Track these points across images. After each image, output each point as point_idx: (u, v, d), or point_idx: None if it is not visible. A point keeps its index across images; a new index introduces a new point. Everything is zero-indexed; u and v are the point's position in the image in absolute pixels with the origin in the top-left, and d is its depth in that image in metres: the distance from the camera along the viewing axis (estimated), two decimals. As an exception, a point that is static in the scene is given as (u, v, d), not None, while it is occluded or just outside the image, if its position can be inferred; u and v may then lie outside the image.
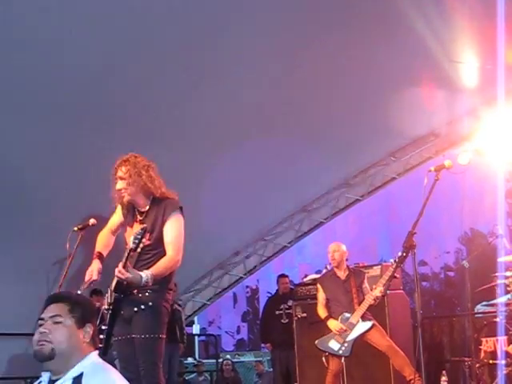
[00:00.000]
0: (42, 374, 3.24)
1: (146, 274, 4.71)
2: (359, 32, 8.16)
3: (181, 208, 5.11)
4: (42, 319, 3.21)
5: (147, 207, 5.11)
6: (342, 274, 7.99)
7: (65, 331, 3.17)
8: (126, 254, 4.73)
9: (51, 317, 3.21)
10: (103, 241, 5.26)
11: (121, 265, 4.69)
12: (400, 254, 4.96)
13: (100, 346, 4.81)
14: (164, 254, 4.94)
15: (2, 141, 8.15)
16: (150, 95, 8.33)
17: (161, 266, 4.85)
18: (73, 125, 8.30)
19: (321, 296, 8.11)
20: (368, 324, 7.62)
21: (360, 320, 7.61)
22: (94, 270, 5.02)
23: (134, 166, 5.05)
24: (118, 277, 4.70)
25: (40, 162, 8.62)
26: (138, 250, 4.77)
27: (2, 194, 8.79)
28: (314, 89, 9.21)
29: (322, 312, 8.00)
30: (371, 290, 7.67)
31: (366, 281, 7.92)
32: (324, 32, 8.06)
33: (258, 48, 7.98)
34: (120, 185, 5.05)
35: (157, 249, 4.97)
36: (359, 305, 7.66)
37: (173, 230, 5.00)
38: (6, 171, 8.55)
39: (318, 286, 8.21)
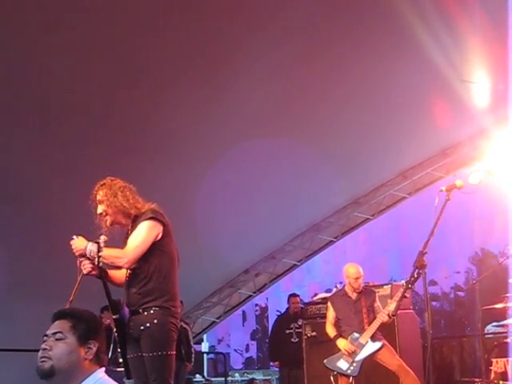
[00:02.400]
0: None
1: (91, 244, 4.82)
2: (372, 52, 8.20)
3: (152, 217, 5.05)
4: (47, 335, 3.23)
5: (129, 227, 5.17)
6: (353, 293, 7.97)
7: (65, 348, 3.16)
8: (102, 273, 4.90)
9: (54, 333, 3.21)
10: (116, 271, 5.27)
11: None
12: (411, 275, 4.94)
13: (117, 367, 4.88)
14: (152, 267, 4.97)
15: (19, 160, 8.25)
16: (152, 109, 8.40)
17: (110, 254, 4.88)
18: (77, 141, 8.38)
19: (331, 315, 8.08)
20: (377, 344, 7.58)
21: (369, 340, 7.58)
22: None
23: (110, 188, 5.15)
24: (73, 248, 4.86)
25: (55, 184, 8.71)
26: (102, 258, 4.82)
27: (19, 212, 8.87)
28: (325, 108, 9.24)
29: (330, 331, 7.98)
30: (384, 307, 7.65)
31: (377, 299, 7.91)
32: (336, 51, 8.10)
33: (267, 64, 8.00)
34: (100, 209, 5.13)
35: (141, 262, 4.98)
36: (369, 325, 7.63)
37: (136, 233, 5.01)
38: (22, 190, 8.63)
39: (329, 304, 8.19)
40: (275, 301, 17.29)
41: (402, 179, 12.07)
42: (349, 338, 7.68)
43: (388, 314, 7.42)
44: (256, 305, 19.07)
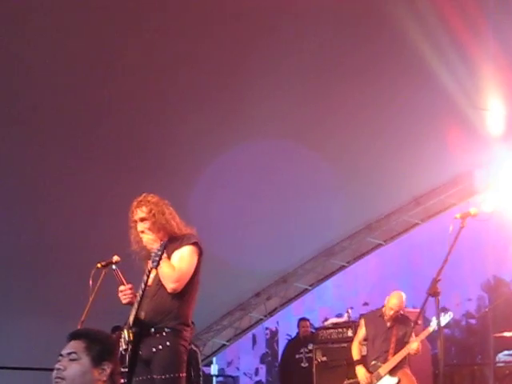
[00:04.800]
0: None
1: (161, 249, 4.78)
2: (384, 79, 8.23)
3: (196, 242, 5.01)
4: (62, 355, 3.24)
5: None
6: (389, 319, 7.82)
7: (78, 369, 3.18)
8: (146, 276, 4.81)
9: (68, 354, 3.22)
10: None
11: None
12: (424, 302, 4.88)
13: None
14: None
15: (36, 187, 8.29)
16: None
17: (167, 269, 4.82)
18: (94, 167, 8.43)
19: (361, 334, 7.97)
20: (393, 380, 7.50)
21: (388, 374, 7.52)
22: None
23: (156, 205, 4.99)
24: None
25: (64, 202, 8.74)
26: (160, 267, 4.75)
27: (28, 234, 8.91)
28: (339, 135, 9.27)
29: (355, 352, 7.88)
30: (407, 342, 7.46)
31: (412, 332, 7.41)
32: (350, 76, 8.14)
33: (277, 81, 8.02)
34: (141, 226, 4.97)
35: None
36: (393, 355, 7.54)
37: (180, 258, 4.92)
38: (33, 212, 8.68)
39: (362, 322, 8.07)
40: (286, 324, 17.22)
41: (415, 205, 12.04)
42: (370, 364, 7.63)
43: (412, 352, 7.35)
44: (266, 328, 18.99)
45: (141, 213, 5.00)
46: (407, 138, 9.58)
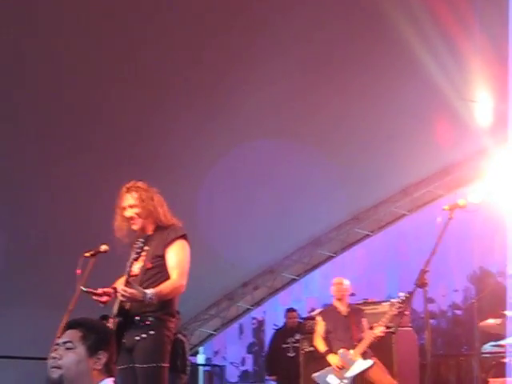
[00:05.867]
0: None
1: (150, 291, 4.69)
2: (372, 72, 8.25)
3: (185, 235, 5.06)
4: (58, 344, 3.27)
5: (150, 232, 5.08)
6: (343, 309, 8.04)
7: (73, 357, 3.21)
8: (128, 269, 4.82)
9: (64, 343, 3.26)
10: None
11: (122, 285, 4.73)
12: (412, 293, 4.94)
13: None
14: (167, 279, 4.90)
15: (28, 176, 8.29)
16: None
17: (165, 287, 4.81)
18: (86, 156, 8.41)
19: (321, 328, 8.12)
20: (368, 362, 7.60)
21: (360, 358, 7.59)
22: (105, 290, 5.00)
23: (146, 191, 5.03)
24: (122, 295, 4.70)
25: (55, 193, 8.73)
26: (139, 259, 4.83)
27: (17, 223, 8.90)
28: (326, 125, 9.28)
29: (321, 345, 8.01)
30: (372, 328, 7.69)
31: (364, 318, 8.03)
32: (339, 67, 8.16)
33: (266, 76, 8.03)
34: (130, 212, 5.00)
35: (159, 273, 4.93)
36: (358, 342, 7.66)
37: (177, 255, 4.95)
38: (22, 202, 8.66)
39: (319, 318, 8.25)
40: (272, 314, 17.26)
41: (402, 196, 12.09)
42: (339, 353, 7.71)
43: (375, 338, 7.49)
44: (253, 318, 19.02)
45: (131, 199, 5.03)
46: (395, 129, 9.61)
